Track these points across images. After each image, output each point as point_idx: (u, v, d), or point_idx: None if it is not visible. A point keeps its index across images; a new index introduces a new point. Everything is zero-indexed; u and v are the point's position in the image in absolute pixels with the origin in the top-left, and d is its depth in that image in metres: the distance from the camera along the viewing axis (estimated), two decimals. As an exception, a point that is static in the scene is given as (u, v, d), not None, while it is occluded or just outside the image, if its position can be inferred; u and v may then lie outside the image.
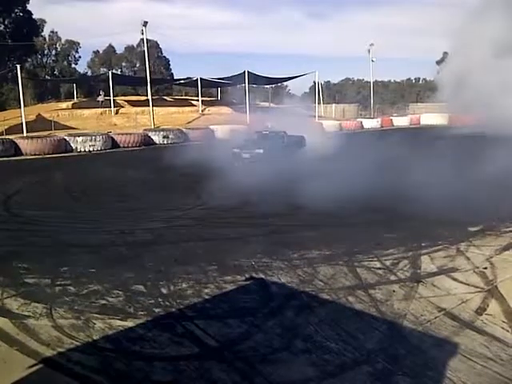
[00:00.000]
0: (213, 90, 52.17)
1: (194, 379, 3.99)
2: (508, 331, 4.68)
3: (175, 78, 54.29)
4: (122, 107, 38.52)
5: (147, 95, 34.06)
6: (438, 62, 48.32)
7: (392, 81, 69.45)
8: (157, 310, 5.28)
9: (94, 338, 4.66)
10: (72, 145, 24.10)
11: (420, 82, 67.81)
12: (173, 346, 4.51)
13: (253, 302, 5.52)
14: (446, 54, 42.80)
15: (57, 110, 35.56)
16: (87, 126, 30.29)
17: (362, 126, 38.06)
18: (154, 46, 52.64)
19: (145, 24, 31.63)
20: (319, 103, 41.43)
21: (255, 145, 17.99)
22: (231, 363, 4.20)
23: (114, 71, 46.01)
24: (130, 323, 4.97)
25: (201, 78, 38.42)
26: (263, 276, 6.29)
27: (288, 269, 6.54)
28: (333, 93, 54.62)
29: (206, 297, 5.63)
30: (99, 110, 36.17)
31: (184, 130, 29.36)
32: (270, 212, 9.82)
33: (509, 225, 8.54)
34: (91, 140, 24.38)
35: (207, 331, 4.74)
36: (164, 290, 5.83)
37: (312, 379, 3.95)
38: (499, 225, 8.54)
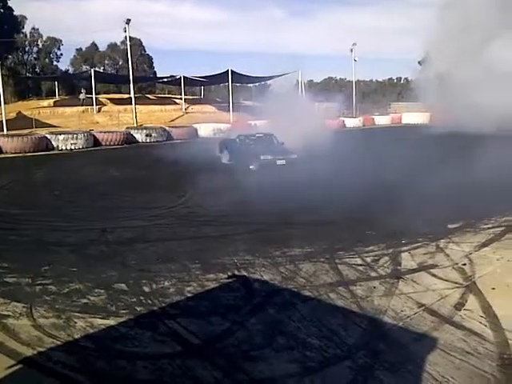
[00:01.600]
0: (196, 89, 52.06)
1: (177, 377, 3.99)
2: (486, 326, 4.76)
3: (158, 76, 53.88)
4: (105, 105, 38.24)
5: (130, 93, 33.80)
6: (420, 62, 48.79)
7: (374, 80, 70.08)
8: (139, 309, 5.27)
9: (75, 336, 4.63)
10: (53, 143, 23.78)
11: (401, 81, 68.44)
12: (155, 344, 4.50)
13: (235, 300, 5.54)
14: (427, 53, 43.31)
15: (38, 108, 35.17)
16: (69, 124, 29.94)
17: (345, 124, 38.23)
18: (137, 43, 52.15)
19: (127, 21, 31.39)
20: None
21: (268, 150, 16.17)
22: (213, 361, 4.21)
23: (96, 69, 45.53)
24: (111, 322, 4.95)
25: (184, 77, 38.29)
26: (246, 273, 6.31)
27: (270, 266, 6.57)
28: (315, 91, 54.74)
29: (189, 295, 5.64)
30: (81, 108, 35.81)
31: (167, 128, 29.21)
32: (253, 211, 9.84)
33: (487, 222, 8.70)
34: (73, 138, 24.09)
35: (189, 329, 4.74)
36: (146, 289, 5.82)
37: (294, 375, 3.98)
38: (478, 222, 8.69)
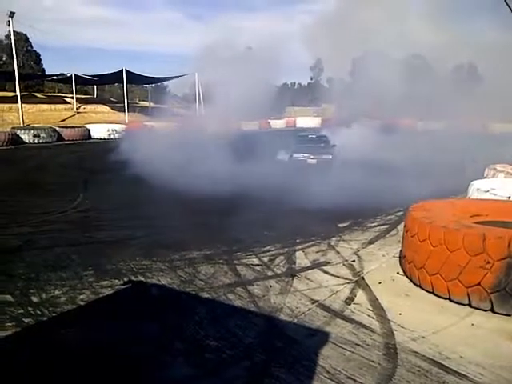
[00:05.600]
0: (88, 88, 50.03)
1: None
2: (373, 318, 5.06)
3: (47, 73, 50.87)
4: (-14, 103, 35.40)
5: (15, 91, 31.61)
6: (312, 68, 51.00)
7: (269, 85, 71.91)
8: (26, 320, 4.94)
9: (-47, 355, 4.24)
10: None
11: (295, 86, 71.06)
12: (44, 356, 4.25)
13: (131, 306, 5.40)
14: (319, 60, 45.46)
15: None
16: None
17: (242, 127, 38.83)
18: (23, 39, 48.98)
19: (11, 15, 29.34)
20: (200, 104, 41.52)
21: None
22: (106, 369, 4.07)
23: (-25, 64, 42.08)
24: (-5, 336, 4.60)
25: (75, 75, 36.62)
26: (143, 279, 6.17)
27: (168, 270, 6.49)
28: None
29: (82, 303, 5.39)
30: (-42, 106, 32.90)
31: (57, 128, 27.77)
32: (150, 214, 9.65)
33: (373, 220, 9.33)
34: None
35: (82, 339, 4.54)
36: (35, 299, 5.47)
37: (192, 379, 3.97)
38: (364, 221, 9.28)
